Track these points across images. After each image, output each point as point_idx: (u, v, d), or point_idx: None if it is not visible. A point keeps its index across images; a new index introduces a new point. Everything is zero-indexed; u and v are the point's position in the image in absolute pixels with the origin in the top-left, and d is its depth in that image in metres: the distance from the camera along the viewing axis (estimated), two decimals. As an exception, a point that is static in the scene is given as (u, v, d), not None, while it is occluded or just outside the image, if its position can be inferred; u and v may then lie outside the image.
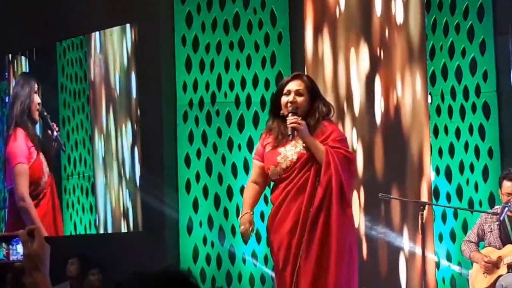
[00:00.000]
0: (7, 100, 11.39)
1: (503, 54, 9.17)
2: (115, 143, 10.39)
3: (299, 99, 6.02)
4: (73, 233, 10.76)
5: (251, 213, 6.14)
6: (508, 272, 7.33)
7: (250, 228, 6.08)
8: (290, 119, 5.93)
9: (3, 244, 2.80)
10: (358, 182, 8.92)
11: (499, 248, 7.44)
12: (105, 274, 9.48)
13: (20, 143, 10.85)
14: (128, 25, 10.12)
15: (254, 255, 9.31)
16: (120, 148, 10.32)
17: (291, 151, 6.03)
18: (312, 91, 6.05)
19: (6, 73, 11.50)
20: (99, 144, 10.60)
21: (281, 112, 6.11)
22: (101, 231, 10.50)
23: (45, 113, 10.86)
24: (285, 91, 6.10)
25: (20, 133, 10.83)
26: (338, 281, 5.88)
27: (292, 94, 6.04)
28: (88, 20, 10.32)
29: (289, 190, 6.08)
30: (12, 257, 2.78)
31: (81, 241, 10.54)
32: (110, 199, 10.45)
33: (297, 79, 6.14)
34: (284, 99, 6.08)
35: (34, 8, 10.73)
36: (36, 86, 10.89)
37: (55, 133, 10.80)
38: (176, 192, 9.33)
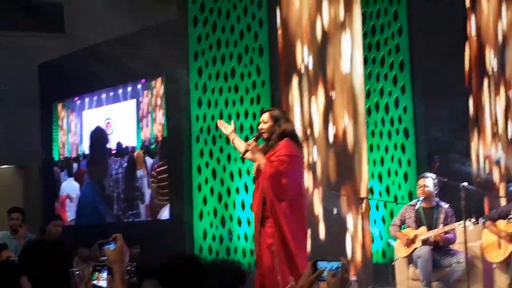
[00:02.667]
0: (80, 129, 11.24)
1: (418, 94, 9.11)
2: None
3: (264, 125, 5.76)
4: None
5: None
6: (421, 245, 7.13)
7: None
8: (247, 142, 5.75)
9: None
10: (317, 183, 8.82)
11: (415, 229, 7.24)
12: (143, 249, 9.25)
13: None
14: (160, 77, 10.05)
15: (246, 236, 9.17)
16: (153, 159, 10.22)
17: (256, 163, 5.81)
18: (274, 119, 5.74)
19: (75, 109, 11.30)
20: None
21: None
22: (142, 218, 10.41)
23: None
24: (260, 120, 5.89)
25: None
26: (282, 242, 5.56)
27: (261, 123, 5.81)
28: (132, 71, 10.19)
29: (255, 187, 5.91)
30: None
31: (126, 227, 10.31)
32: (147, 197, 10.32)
33: (265, 112, 5.91)
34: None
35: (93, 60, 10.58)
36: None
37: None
38: (191, 191, 9.22)
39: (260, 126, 5.81)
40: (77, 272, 2.82)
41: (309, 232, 5.92)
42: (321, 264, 2.81)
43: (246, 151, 5.69)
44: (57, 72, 11.53)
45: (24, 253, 2.67)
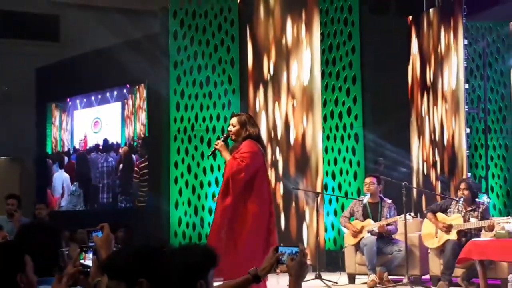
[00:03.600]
0: (72, 125, 11.08)
1: (367, 105, 9.19)
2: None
3: (232, 128, 5.67)
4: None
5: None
6: (367, 235, 7.17)
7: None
8: (215, 142, 5.69)
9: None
10: (278, 179, 8.83)
11: (362, 221, 7.28)
12: (127, 232, 9.14)
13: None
14: (144, 83, 9.95)
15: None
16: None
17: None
18: (241, 123, 5.67)
19: (68, 109, 11.16)
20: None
21: None
22: (125, 206, 10.32)
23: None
24: (229, 123, 5.82)
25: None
26: (214, 238, 5.42)
27: (230, 126, 5.73)
28: (120, 76, 10.12)
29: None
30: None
31: (112, 213, 10.24)
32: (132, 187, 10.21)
33: (234, 117, 5.81)
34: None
35: (84, 66, 10.46)
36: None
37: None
38: (168, 184, 9.15)
39: (229, 129, 5.75)
40: (66, 252, 2.77)
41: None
42: (282, 249, 2.79)
43: (215, 149, 5.62)
44: (52, 76, 11.40)
45: (20, 234, 2.62)
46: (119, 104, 10.56)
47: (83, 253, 2.92)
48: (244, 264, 4.82)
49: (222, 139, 5.66)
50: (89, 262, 2.91)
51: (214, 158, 8.97)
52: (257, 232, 5.39)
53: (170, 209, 9.06)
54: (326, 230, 8.85)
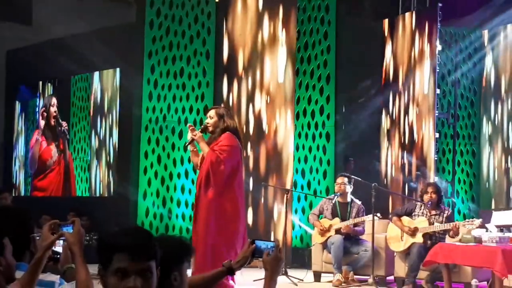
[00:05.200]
0: (36, 109, 11.00)
1: (340, 104, 9.19)
2: (104, 140, 10.09)
3: (210, 120, 5.67)
4: (75, 195, 10.42)
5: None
6: (335, 234, 7.20)
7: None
8: (193, 133, 5.61)
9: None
10: (248, 175, 8.81)
11: (330, 219, 7.28)
12: (92, 221, 9.05)
13: (34, 140, 10.87)
14: (118, 69, 9.85)
15: (183, 216, 9.07)
16: (108, 144, 10.02)
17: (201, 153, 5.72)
18: (219, 116, 5.65)
19: (38, 93, 11.06)
20: (94, 140, 10.29)
21: None
22: (92, 195, 10.18)
23: (58, 116, 10.55)
24: (206, 115, 5.80)
25: (36, 132, 10.84)
26: (206, 232, 5.44)
27: (208, 118, 5.72)
28: (91, 64, 10.06)
29: (198, 174, 5.75)
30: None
31: (79, 200, 10.16)
32: (99, 175, 10.11)
33: (212, 109, 5.83)
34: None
35: (57, 52, 10.30)
36: (55, 101, 10.62)
37: (62, 128, 10.49)
38: (137, 174, 9.07)
39: (206, 121, 5.72)
40: (37, 237, 2.71)
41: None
42: (258, 243, 2.77)
43: (192, 140, 5.60)
44: (23, 59, 11.20)
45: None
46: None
47: None
48: (226, 258, 4.86)
49: (199, 130, 5.64)
50: (59, 249, 2.87)
51: (185, 150, 8.89)
52: (236, 226, 5.39)
53: (138, 199, 8.98)
54: (293, 228, 8.85)
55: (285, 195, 7.59)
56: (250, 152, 8.92)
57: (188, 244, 2.42)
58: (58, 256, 2.87)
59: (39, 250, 2.45)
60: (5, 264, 2.21)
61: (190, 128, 5.69)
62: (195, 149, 5.75)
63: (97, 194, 10.12)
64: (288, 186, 8.50)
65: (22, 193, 11.19)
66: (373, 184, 6.89)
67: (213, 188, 5.43)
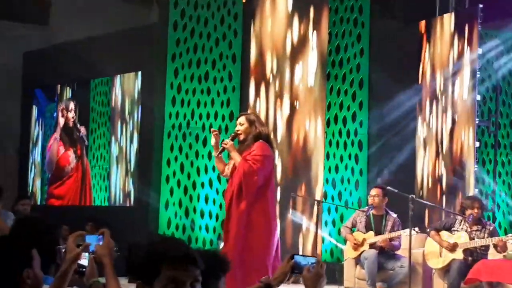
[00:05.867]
0: (54, 115, 11.09)
1: (374, 111, 9.14)
2: (125, 147, 10.10)
3: (241, 127, 5.66)
4: (93, 205, 10.46)
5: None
6: (369, 248, 7.15)
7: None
8: (223, 141, 5.64)
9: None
10: (276, 185, 8.76)
11: (364, 233, 7.24)
12: (111, 232, 9.01)
13: (50, 145, 10.97)
14: (140, 72, 9.88)
15: (207, 228, 9.05)
16: (128, 151, 10.03)
17: (231, 163, 5.70)
18: (250, 122, 5.64)
19: (56, 98, 11.18)
20: (114, 147, 10.31)
21: None
22: (111, 204, 10.21)
23: (76, 122, 10.64)
24: (236, 123, 5.81)
25: (53, 137, 10.90)
26: (236, 246, 5.41)
27: (238, 125, 5.72)
28: (111, 67, 10.11)
29: (228, 184, 5.78)
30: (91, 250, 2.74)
31: (97, 210, 10.15)
32: (119, 184, 10.15)
33: (242, 116, 5.84)
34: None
35: (76, 54, 10.42)
36: (73, 106, 10.67)
37: (81, 134, 10.54)
38: (159, 183, 9.09)
39: (237, 128, 5.71)
40: (63, 250, 2.70)
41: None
42: (297, 259, 2.72)
43: (223, 149, 5.58)
44: (40, 61, 11.28)
45: (17, 228, 2.52)
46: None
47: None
48: (257, 273, 4.85)
49: (229, 138, 5.63)
50: (84, 262, 2.86)
51: (210, 158, 8.90)
52: (268, 240, 5.36)
53: (159, 209, 8.99)
54: (323, 241, 8.79)
55: (316, 207, 7.51)
56: (278, 161, 8.88)
57: (224, 259, 2.39)
58: (84, 269, 2.85)
59: (65, 263, 2.43)
60: (33, 277, 2.18)
61: (214, 133, 5.68)
62: (220, 155, 5.73)
63: (117, 204, 10.14)
64: (318, 197, 8.44)
65: (38, 202, 11.25)
66: (410, 196, 6.79)
67: (245, 200, 5.41)
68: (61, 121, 10.87)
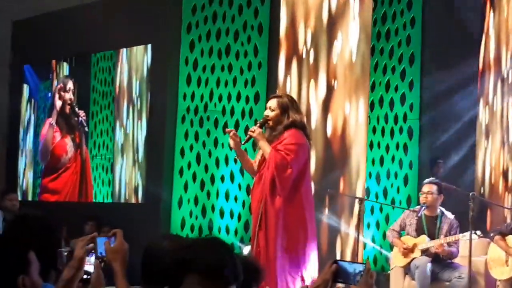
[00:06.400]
0: (49, 95, 11.18)
1: (426, 92, 9.15)
2: (132, 134, 10.16)
3: (271, 113, 5.68)
4: (94, 201, 10.53)
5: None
6: (421, 255, 7.12)
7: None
8: (251, 128, 5.70)
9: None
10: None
11: (415, 237, 7.23)
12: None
13: (45, 130, 11.03)
14: (149, 45, 9.92)
15: (227, 229, 9.09)
16: (136, 139, 10.09)
17: (259, 153, 5.73)
18: (282, 108, 5.65)
19: (50, 75, 11.29)
20: (119, 134, 10.40)
21: None
22: (115, 200, 10.28)
23: (74, 104, 10.71)
24: (266, 106, 5.86)
25: (48, 122, 10.99)
26: (276, 249, 5.43)
27: (267, 110, 5.76)
28: (116, 39, 10.16)
29: (256, 179, 5.80)
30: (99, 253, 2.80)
31: (99, 207, 10.26)
32: (124, 177, 10.22)
33: (273, 99, 5.85)
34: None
35: (74, 24, 10.50)
36: (71, 85, 10.73)
37: (80, 119, 10.62)
38: (172, 176, 9.14)
39: (266, 113, 5.72)
40: (65, 253, 2.71)
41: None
42: (342, 265, 2.71)
43: (250, 137, 5.60)
44: (32, 31, 11.34)
45: (11, 229, 2.54)
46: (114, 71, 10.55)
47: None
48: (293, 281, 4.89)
49: (258, 125, 5.65)
50: (90, 268, 2.88)
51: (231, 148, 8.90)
52: (304, 240, 5.39)
53: (171, 207, 9.05)
54: (364, 246, 8.78)
55: (357, 206, 7.49)
56: (312, 151, 8.85)
57: (257, 266, 2.40)
58: (89, 276, 2.87)
59: (69, 269, 2.44)
60: (30, 285, 2.18)
61: (231, 134, 5.67)
62: (245, 157, 5.76)
63: (122, 200, 10.21)
64: (359, 194, 8.41)
65: (30, 197, 11.34)
66: (470, 194, 6.78)
67: (280, 196, 5.44)
68: (58, 103, 10.94)
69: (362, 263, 2.72)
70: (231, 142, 5.74)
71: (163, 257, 2.68)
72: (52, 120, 11.05)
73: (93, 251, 2.91)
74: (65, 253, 2.73)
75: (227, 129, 5.91)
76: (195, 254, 2.02)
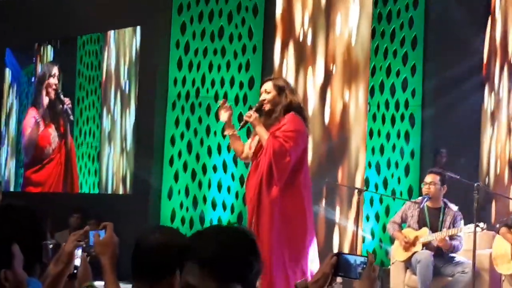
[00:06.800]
0: (32, 80, 11.15)
1: (429, 77, 9.15)
2: (120, 121, 10.17)
3: (267, 96, 5.69)
4: (79, 192, 10.55)
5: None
6: (422, 249, 7.13)
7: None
8: (246, 113, 5.71)
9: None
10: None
11: (416, 230, 7.23)
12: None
13: (28, 120, 10.97)
14: (138, 27, 9.94)
15: (219, 221, 9.12)
16: (123, 126, 10.11)
17: (255, 140, 5.72)
18: (279, 89, 5.65)
19: (34, 58, 11.26)
20: (106, 121, 10.40)
21: None
22: (102, 191, 10.29)
23: (59, 91, 10.63)
24: (261, 90, 5.85)
25: (31, 111, 10.92)
26: (271, 243, 5.44)
27: (263, 93, 5.75)
28: (103, 20, 10.15)
29: (252, 167, 5.80)
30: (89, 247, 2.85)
31: (84, 198, 10.27)
32: (111, 166, 10.24)
33: (268, 81, 5.85)
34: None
35: (59, 4, 10.49)
36: (56, 70, 10.69)
37: (65, 107, 10.58)
38: (161, 165, 9.16)
39: (262, 97, 5.72)
40: (50, 246, 2.71)
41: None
42: (343, 258, 2.70)
43: (246, 122, 5.60)
44: (13, 11, 11.28)
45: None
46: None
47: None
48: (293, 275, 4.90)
49: (254, 109, 5.64)
50: (76, 261, 2.89)
51: (224, 136, 8.87)
52: (302, 232, 5.39)
53: (161, 199, 9.04)
54: (363, 240, 8.80)
55: (356, 197, 7.49)
56: (309, 139, 8.86)
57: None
58: (76, 271, 2.87)
59: (57, 265, 2.43)
60: (13, 280, 2.17)
61: (224, 105, 5.68)
62: (235, 133, 5.74)
63: (109, 191, 10.22)
64: (358, 185, 8.43)
65: (12, 188, 11.33)
66: (475, 184, 6.78)
67: (277, 186, 5.44)
68: (43, 92, 10.89)
69: (364, 256, 2.71)
70: (223, 115, 5.71)
71: (155, 250, 2.67)
72: (36, 114, 10.97)
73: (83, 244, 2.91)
74: (51, 246, 2.73)
75: (222, 100, 5.83)
76: (199, 242, 1.99)
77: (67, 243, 2.54)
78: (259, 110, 5.69)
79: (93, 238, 2.77)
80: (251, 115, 5.62)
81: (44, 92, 10.89)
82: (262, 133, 5.57)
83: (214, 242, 2.00)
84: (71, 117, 10.63)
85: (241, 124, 5.71)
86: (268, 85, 5.72)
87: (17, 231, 2.42)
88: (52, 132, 10.81)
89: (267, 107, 5.68)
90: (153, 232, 2.79)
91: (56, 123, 10.81)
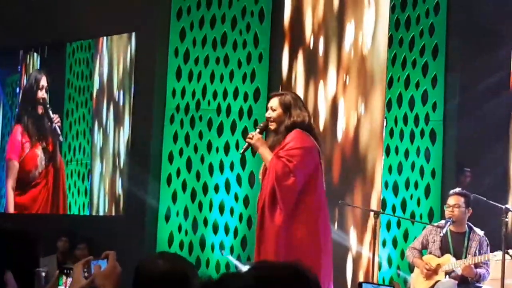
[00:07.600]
0: (17, 90, 11.20)
1: (451, 89, 9.18)
2: (113, 136, 10.22)
3: (273, 114, 5.73)
4: (68, 213, 10.58)
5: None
6: (445, 278, 7.16)
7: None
8: (249, 134, 5.78)
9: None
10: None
11: (439, 257, 7.24)
12: (91, 250, 9.14)
13: (14, 140, 11.01)
14: (133, 34, 10.03)
15: (221, 246, 9.13)
16: (117, 141, 10.16)
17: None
18: (285, 106, 5.68)
19: (19, 67, 11.33)
20: (98, 136, 10.45)
21: None
22: (93, 213, 10.33)
23: (48, 106, 10.66)
24: (267, 106, 5.91)
25: (17, 129, 10.96)
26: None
27: (269, 110, 5.80)
28: (95, 25, 10.19)
29: (260, 193, 5.83)
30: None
31: (73, 220, 10.32)
32: (104, 185, 10.28)
33: (273, 97, 5.89)
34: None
35: (46, 8, 10.53)
36: (44, 82, 10.75)
37: (54, 125, 10.62)
38: (158, 184, 9.20)
39: (268, 114, 5.74)
40: (43, 273, 2.74)
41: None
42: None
43: (249, 145, 5.61)
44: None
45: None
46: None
47: (64, 276, 2.94)
48: None
49: (258, 129, 5.65)
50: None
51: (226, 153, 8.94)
52: (317, 262, 5.37)
53: (158, 221, 9.06)
54: (380, 267, 8.81)
55: (373, 220, 7.52)
56: (320, 155, 8.89)
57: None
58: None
59: None
60: None
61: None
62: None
63: (101, 212, 10.26)
64: (374, 207, 8.45)
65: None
66: (504, 207, 6.80)
67: (282, 211, 5.43)
68: (30, 108, 10.88)
69: (389, 286, 2.74)
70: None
71: (158, 278, 2.70)
72: (22, 133, 10.93)
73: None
74: (43, 274, 2.75)
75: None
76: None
77: (75, 274, 2.57)
78: (264, 130, 5.73)
79: (94, 270, 2.80)
80: (253, 136, 5.65)
81: (30, 108, 10.92)
82: (265, 154, 5.58)
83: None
84: (60, 138, 10.63)
85: (243, 147, 5.73)
86: (274, 102, 5.74)
87: (10, 258, 2.45)
88: (39, 153, 10.80)
89: (272, 126, 5.70)
90: (156, 259, 2.82)
91: (44, 141, 10.81)
